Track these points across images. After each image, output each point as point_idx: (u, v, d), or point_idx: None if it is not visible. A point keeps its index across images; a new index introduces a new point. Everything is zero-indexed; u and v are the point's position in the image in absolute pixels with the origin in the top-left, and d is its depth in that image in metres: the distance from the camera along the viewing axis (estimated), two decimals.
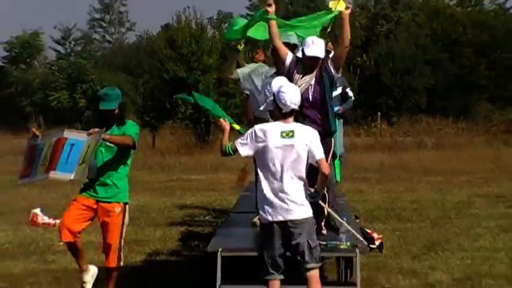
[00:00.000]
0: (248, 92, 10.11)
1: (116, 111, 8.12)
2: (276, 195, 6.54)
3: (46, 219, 13.72)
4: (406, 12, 46.16)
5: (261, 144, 6.59)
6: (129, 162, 8.15)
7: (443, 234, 12.82)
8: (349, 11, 7.88)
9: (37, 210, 13.80)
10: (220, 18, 52.77)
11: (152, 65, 35.19)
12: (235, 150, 6.66)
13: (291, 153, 6.55)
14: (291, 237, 6.54)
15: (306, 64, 8.01)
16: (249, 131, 6.73)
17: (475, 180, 20.90)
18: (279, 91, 6.70)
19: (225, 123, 7.43)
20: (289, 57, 8.21)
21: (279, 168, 6.55)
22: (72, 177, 7.78)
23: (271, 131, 6.61)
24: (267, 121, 8.02)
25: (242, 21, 9.45)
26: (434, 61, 40.81)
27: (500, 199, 17.16)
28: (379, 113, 34.05)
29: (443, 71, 40.58)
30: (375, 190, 18.06)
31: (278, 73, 8.41)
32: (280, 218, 6.52)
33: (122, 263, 8.16)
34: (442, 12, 44.70)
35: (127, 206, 8.13)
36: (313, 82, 8.10)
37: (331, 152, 8.19)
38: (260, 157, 6.65)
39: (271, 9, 8.11)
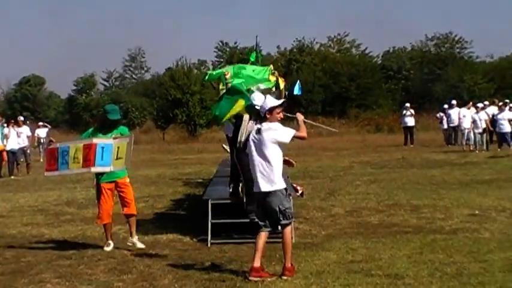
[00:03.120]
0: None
1: (118, 123, 10.55)
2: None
3: None
4: (307, 57, 69.37)
5: None
6: None
7: (337, 185, 17.79)
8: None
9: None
10: (199, 63, 76.02)
11: (161, 92, 53.81)
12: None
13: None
14: None
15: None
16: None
17: (353, 153, 29.98)
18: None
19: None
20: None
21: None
22: (111, 169, 9.96)
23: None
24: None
25: (216, 71, 11.87)
26: (324, 85, 61.79)
27: (368, 164, 24.50)
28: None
29: (330, 90, 61.27)
30: (295, 161, 23.24)
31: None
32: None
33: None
34: (328, 56, 70.00)
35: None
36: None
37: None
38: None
39: (228, 76, 10.69)
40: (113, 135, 10.21)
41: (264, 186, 8.37)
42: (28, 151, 27.96)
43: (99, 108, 67.45)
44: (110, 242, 10.57)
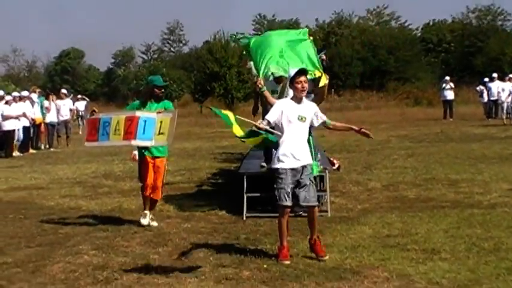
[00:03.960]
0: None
1: (164, 89, 10.38)
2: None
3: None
4: (346, 30, 68.57)
5: None
6: None
7: (374, 159, 17.69)
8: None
9: (136, 151, 18.09)
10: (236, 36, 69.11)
11: (199, 65, 53.83)
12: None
13: None
14: None
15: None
16: None
17: (391, 127, 29.51)
18: None
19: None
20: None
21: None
22: (153, 144, 9.59)
23: None
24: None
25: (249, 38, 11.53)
26: (363, 58, 60.96)
27: (406, 137, 24.25)
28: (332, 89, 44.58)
29: (368, 63, 60.31)
30: (332, 135, 22.80)
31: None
32: None
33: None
34: (367, 29, 67.98)
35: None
36: None
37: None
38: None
39: (260, 85, 10.08)
40: (157, 110, 9.93)
41: None
42: (69, 124, 28.28)
43: (137, 81, 68.56)
44: (147, 212, 10.54)
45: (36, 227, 10.60)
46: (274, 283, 7.15)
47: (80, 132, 33.07)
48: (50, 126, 25.91)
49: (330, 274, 7.37)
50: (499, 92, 31.78)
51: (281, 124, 8.03)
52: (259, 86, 10.08)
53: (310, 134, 8.71)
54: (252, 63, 11.42)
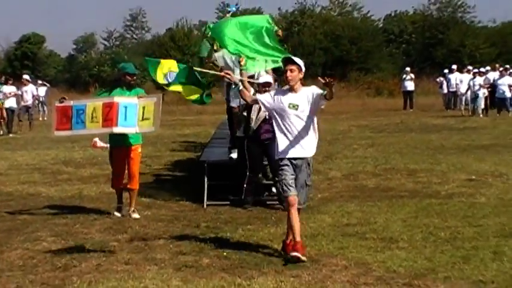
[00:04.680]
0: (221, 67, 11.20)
1: (135, 77, 10.05)
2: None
3: (102, 144, 17.35)
4: (309, 20, 67.21)
5: None
6: None
7: (335, 148, 17.75)
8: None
9: (96, 139, 17.71)
10: (200, 25, 70.24)
11: (161, 53, 49.89)
12: None
13: None
14: None
15: (260, 90, 9.59)
16: None
17: (351, 117, 29.67)
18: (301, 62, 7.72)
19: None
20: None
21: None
22: (137, 130, 9.31)
23: None
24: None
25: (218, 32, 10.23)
26: (325, 48, 60.33)
27: (366, 127, 24.40)
28: None
29: (331, 53, 60.42)
30: None
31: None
32: None
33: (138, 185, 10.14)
34: (330, 19, 67.47)
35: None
36: None
37: None
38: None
39: (242, 62, 9.73)
40: (143, 94, 9.69)
41: None
42: (31, 110, 28.09)
43: (99, 68, 68.17)
44: (120, 205, 10.26)
45: None
46: (233, 271, 7.17)
47: (40, 118, 32.83)
48: (10, 111, 25.58)
49: (289, 262, 7.41)
50: (457, 84, 32.23)
51: (274, 112, 7.75)
52: (242, 63, 9.89)
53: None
54: (219, 53, 11.26)
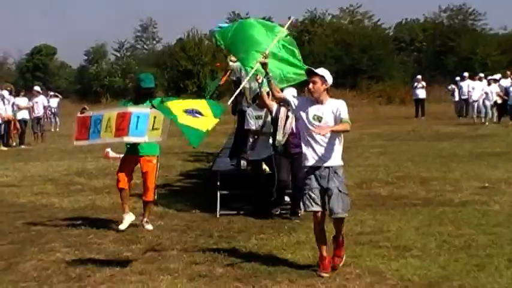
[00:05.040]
0: (235, 79, 11.79)
1: (152, 90, 9.87)
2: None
3: (114, 154, 17.95)
4: (319, 28, 68.47)
5: None
6: None
7: (347, 156, 16.53)
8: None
9: (108, 149, 18.16)
10: (210, 35, 68.41)
11: (172, 62, 53.49)
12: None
13: None
14: None
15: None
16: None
17: (363, 125, 28.66)
18: (325, 73, 7.51)
19: None
20: (274, 107, 9.90)
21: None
22: (146, 140, 9.19)
23: None
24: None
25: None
26: (336, 56, 60.81)
27: (378, 135, 24.29)
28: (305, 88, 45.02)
29: (341, 61, 59.94)
30: None
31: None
32: None
33: (156, 197, 10.03)
34: (340, 27, 68.02)
35: (158, 157, 9.89)
36: (292, 118, 9.88)
37: None
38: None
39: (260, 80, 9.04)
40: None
41: None
42: (42, 121, 28.25)
43: (110, 79, 68.44)
44: (125, 215, 9.92)
45: (7, 225, 10.50)
46: (247, 280, 7.17)
47: (52, 130, 32.97)
48: (23, 123, 25.69)
49: (302, 271, 7.42)
50: (469, 91, 32.12)
51: (300, 119, 7.66)
52: (259, 81, 9.26)
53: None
54: (236, 64, 11.18)
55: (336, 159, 7.51)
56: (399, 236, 9.00)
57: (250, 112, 10.83)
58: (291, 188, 10.54)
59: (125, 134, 9.14)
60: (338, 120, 7.40)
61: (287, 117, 9.95)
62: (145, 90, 9.78)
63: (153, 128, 9.03)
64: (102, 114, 9.45)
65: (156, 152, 9.92)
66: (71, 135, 10.10)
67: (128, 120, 9.11)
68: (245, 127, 11.01)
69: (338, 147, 7.55)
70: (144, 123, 9.07)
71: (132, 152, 9.82)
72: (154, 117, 8.98)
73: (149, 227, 9.95)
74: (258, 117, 10.76)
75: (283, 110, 9.91)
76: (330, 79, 7.56)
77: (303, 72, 8.65)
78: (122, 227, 9.83)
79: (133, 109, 9.31)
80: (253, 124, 10.77)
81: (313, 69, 7.59)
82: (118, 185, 9.95)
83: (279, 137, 10.08)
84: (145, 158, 9.80)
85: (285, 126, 10.04)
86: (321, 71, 7.58)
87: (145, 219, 10.01)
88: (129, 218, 9.91)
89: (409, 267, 7.44)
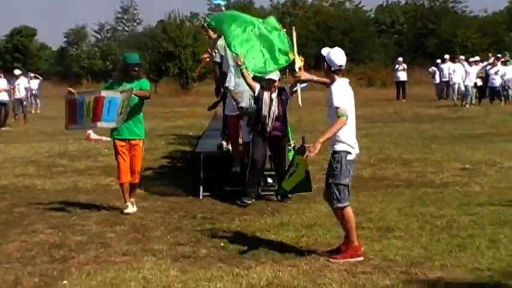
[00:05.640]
0: (219, 60, 11.61)
1: (138, 67, 9.62)
2: (354, 134, 7.34)
3: (96, 136, 18.04)
4: (300, 11, 69.16)
5: (347, 96, 7.24)
6: (142, 108, 9.62)
7: None
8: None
9: (90, 131, 17.86)
10: (192, 16, 75.00)
11: (153, 44, 52.44)
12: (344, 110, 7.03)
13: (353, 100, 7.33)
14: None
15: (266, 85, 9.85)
16: (339, 90, 7.19)
17: None
18: (328, 53, 7.27)
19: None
20: (257, 88, 9.98)
21: (353, 112, 7.32)
22: (115, 125, 9.28)
23: (347, 85, 7.33)
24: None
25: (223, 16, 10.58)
26: (317, 39, 59.56)
27: (360, 118, 21.21)
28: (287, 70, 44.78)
29: (323, 44, 56.17)
30: (288, 115, 23.13)
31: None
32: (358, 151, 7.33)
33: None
34: (321, 10, 67.61)
35: (143, 140, 9.86)
36: (277, 103, 10.02)
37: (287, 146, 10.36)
38: (347, 106, 7.16)
39: (240, 62, 9.68)
40: (126, 88, 9.35)
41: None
42: (25, 102, 28.13)
43: (90, 60, 68.05)
44: (128, 204, 9.81)
45: None
46: (231, 261, 7.21)
47: (33, 111, 32.75)
48: (1, 105, 25.48)
49: (286, 252, 7.45)
50: (450, 74, 32.26)
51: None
52: (239, 63, 9.78)
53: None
54: (222, 42, 11.05)
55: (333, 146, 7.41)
56: (382, 217, 9.06)
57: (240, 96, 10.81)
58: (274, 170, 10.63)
59: (99, 119, 9.21)
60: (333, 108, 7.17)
61: (271, 100, 9.97)
62: (132, 66, 9.56)
63: (120, 113, 9.12)
64: (84, 97, 9.47)
65: (143, 135, 9.88)
66: (53, 117, 10.12)
67: (101, 105, 9.13)
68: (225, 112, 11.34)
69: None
70: (115, 108, 9.11)
71: (122, 136, 9.62)
72: (123, 101, 9.06)
73: (133, 209, 9.84)
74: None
75: (266, 93, 9.95)
76: (331, 61, 7.32)
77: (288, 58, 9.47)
78: (130, 209, 9.77)
79: (106, 93, 9.30)
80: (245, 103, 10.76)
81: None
82: (120, 180, 9.79)
83: (266, 120, 10.09)
84: (134, 141, 9.70)
85: (270, 110, 10.03)
86: (323, 50, 7.45)
87: (129, 200, 9.89)
88: (132, 209, 9.79)
89: (392, 248, 7.51)
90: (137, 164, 9.83)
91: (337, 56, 7.32)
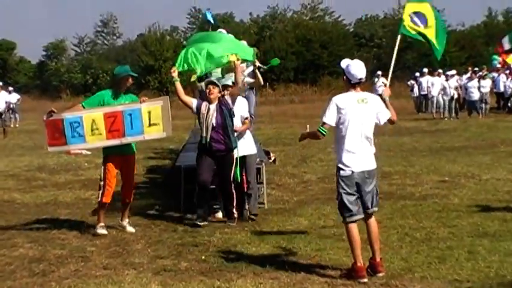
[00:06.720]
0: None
1: (131, 80, 9.28)
2: (358, 149, 7.08)
3: (77, 150, 17.49)
4: (280, 24, 68.80)
5: (343, 112, 6.98)
6: None
7: (309, 152, 17.65)
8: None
9: None
10: (172, 30, 72.16)
11: (133, 58, 52.84)
12: (324, 126, 7.11)
13: (367, 116, 7.16)
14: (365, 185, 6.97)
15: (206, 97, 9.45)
16: (330, 105, 7.01)
17: None
18: (347, 66, 7.01)
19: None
20: (194, 103, 9.57)
21: (358, 128, 7.08)
22: (145, 138, 9.09)
23: (350, 99, 7.01)
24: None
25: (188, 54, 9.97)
26: (297, 52, 60.19)
27: None
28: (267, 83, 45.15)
29: (302, 57, 60.36)
30: (268, 128, 24.32)
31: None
32: (362, 169, 7.02)
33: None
34: (301, 23, 67.26)
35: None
36: (215, 113, 9.46)
37: (235, 160, 9.65)
38: (343, 122, 7.02)
39: (175, 74, 9.51)
40: (123, 103, 9.03)
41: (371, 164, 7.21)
42: (3, 116, 27.95)
43: (69, 74, 67.74)
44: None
45: None
46: (212, 274, 7.21)
47: (12, 125, 32.55)
48: None
49: (267, 264, 7.46)
50: (428, 87, 32.50)
51: None
52: (174, 75, 9.60)
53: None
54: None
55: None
56: (362, 229, 9.04)
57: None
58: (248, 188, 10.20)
59: (122, 135, 8.89)
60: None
61: (208, 110, 9.50)
62: (127, 77, 9.22)
63: (150, 124, 8.89)
64: (80, 115, 8.97)
65: (134, 149, 9.57)
66: (33, 131, 10.01)
67: (121, 120, 8.84)
68: None
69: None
70: (138, 120, 8.87)
71: (115, 153, 9.18)
72: (149, 112, 8.87)
73: (131, 229, 9.45)
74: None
75: (204, 104, 9.54)
76: (351, 74, 7.09)
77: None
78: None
79: (123, 107, 8.94)
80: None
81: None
82: (102, 200, 9.25)
83: (203, 133, 9.60)
84: (128, 157, 9.36)
85: (206, 121, 9.51)
86: (342, 62, 7.25)
87: (125, 221, 9.56)
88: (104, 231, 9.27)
89: None
90: (131, 180, 9.48)
91: (357, 68, 7.05)
